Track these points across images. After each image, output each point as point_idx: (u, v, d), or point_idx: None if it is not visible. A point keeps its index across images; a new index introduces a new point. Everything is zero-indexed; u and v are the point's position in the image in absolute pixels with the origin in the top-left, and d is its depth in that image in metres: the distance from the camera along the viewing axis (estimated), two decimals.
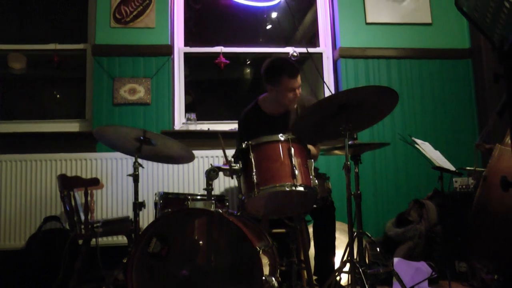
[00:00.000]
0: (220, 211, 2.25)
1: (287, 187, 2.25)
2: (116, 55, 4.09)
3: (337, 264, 2.72)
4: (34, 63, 4.44)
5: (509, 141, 2.46)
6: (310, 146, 3.03)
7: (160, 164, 3.77)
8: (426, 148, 3.03)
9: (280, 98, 3.02)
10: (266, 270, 2.23)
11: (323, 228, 2.96)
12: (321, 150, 3.17)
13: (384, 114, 2.54)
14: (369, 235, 2.66)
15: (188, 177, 3.83)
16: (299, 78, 3.00)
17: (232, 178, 2.47)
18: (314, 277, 2.97)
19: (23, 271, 3.36)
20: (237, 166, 2.34)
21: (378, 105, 2.43)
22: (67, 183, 3.10)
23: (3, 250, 3.63)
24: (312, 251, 3.07)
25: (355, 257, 2.41)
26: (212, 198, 2.36)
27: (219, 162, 3.81)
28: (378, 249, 3.36)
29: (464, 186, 3.59)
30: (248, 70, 5.00)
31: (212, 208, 2.28)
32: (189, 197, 2.56)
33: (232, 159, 2.40)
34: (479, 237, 2.44)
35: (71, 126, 4.13)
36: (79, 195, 3.26)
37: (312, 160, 2.40)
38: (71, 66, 4.40)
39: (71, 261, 3.10)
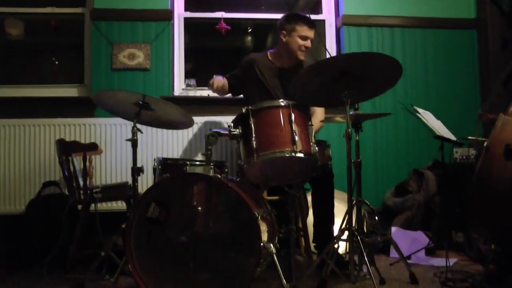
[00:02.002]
0: (219, 176, 2.24)
1: (287, 153, 2.23)
2: (115, 20, 4.01)
3: (335, 232, 2.73)
4: (32, 28, 4.37)
5: None
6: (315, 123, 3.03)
7: (159, 130, 3.73)
8: (427, 117, 3.00)
9: (291, 44, 3.10)
10: (265, 237, 2.23)
11: (323, 195, 2.96)
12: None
13: (386, 87, 2.51)
14: (368, 203, 2.66)
15: (187, 143, 3.81)
16: (313, 32, 3.13)
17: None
18: (313, 245, 2.98)
19: (23, 236, 3.37)
20: (236, 131, 2.32)
21: (380, 76, 2.39)
22: (66, 148, 3.08)
23: (3, 215, 3.63)
24: (310, 218, 3.08)
25: (353, 225, 2.41)
26: (211, 164, 2.34)
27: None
28: (376, 218, 3.36)
29: (464, 157, 3.57)
30: (249, 38, 4.93)
31: (211, 174, 2.28)
32: (188, 162, 2.54)
33: (232, 124, 2.37)
34: (479, 207, 2.43)
35: (70, 91, 4.09)
36: (77, 160, 3.24)
37: (313, 127, 2.38)
38: (69, 31, 4.33)
39: (70, 226, 3.11)
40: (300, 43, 3.08)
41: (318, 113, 3.24)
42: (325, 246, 2.54)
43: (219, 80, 3.17)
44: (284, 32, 3.13)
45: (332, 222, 2.97)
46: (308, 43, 3.10)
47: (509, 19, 1.62)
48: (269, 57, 3.25)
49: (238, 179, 2.46)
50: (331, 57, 2.46)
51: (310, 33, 3.09)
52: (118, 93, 2.81)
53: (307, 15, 3.20)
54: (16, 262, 3.24)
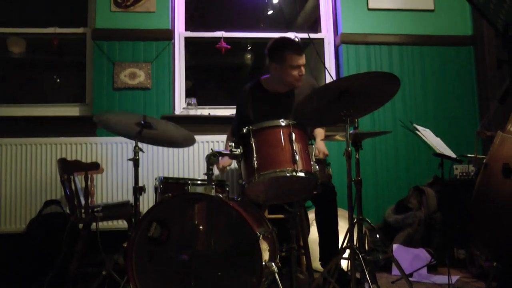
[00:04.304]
0: (220, 196, 2.25)
1: (288, 173, 2.24)
2: (116, 39, 4.06)
3: None
4: (34, 47, 4.41)
5: (511, 128, 2.44)
6: (318, 143, 3.03)
7: (160, 149, 3.76)
8: (427, 134, 3.02)
9: (284, 76, 2.99)
10: (266, 256, 2.23)
11: (326, 213, 2.96)
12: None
13: (385, 100, 2.52)
14: (369, 221, 2.66)
15: (188, 162, 3.83)
16: (304, 57, 2.99)
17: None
18: (320, 263, 2.97)
19: (23, 255, 3.37)
20: (238, 151, 2.33)
21: (380, 91, 2.41)
22: (67, 167, 3.09)
23: (4, 234, 3.64)
24: (311, 237, 3.08)
25: (354, 243, 2.41)
26: (212, 183, 2.35)
27: (220, 147, 3.80)
28: (377, 236, 3.36)
29: (464, 174, 3.59)
30: (249, 56, 4.98)
31: (212, 193, 2.29)
32: (189, 181, 2.54)
33: (233, 144, 2.39)
34: (479, 224, 2.44)
35: (71, 110, 4.12)
36: (79, 179, 3.26)
37: (314, 146, 2.39)
38: (71, 50, 4.38)
39: (71, 245, 3.10)
40: (293, 74, 2.96)
41: (319, 134, 3.22)
42: None
43: (225, 161, 3.11)
44: (274, 64, 3.01)
45: (337, 239, 2.96)
46: (301, 70, 2.97)
47: (503, 39, 1.64)
48: (262, 84, 3.17)
49: (239, 198, 2.46)
50: (326, 84, 2.45)
51: (301, 60, 2.96)
52: (119, 114, 2.83)
53: (294, 39, 3.08)
54: (16, 280, 3.23)
